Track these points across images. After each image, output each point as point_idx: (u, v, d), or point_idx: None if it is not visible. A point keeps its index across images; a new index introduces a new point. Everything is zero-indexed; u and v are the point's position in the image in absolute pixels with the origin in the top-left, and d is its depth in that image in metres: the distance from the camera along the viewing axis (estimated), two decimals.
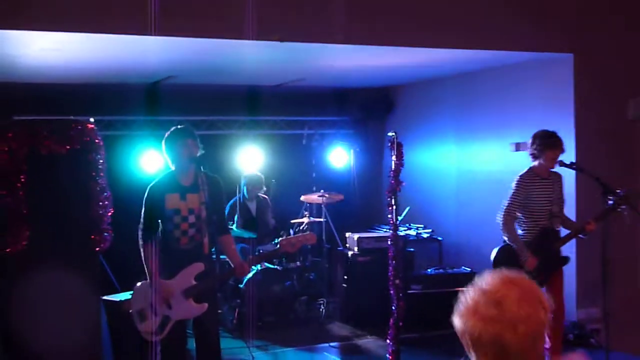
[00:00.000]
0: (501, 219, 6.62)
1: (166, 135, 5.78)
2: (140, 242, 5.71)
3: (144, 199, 5.74)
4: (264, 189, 9.78)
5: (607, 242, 6.27)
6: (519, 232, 6.71)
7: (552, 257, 6.67)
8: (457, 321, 2.16)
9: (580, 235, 6.82)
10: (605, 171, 6.80)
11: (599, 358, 6.62)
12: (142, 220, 5.72)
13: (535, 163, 6.70)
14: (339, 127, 11.42)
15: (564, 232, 6.88)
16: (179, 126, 5.85)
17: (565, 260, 6.83)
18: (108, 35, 6.50)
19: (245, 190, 9.63)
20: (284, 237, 6.07)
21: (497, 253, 6.76)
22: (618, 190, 6.44)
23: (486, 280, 2.16)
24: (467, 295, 2.16)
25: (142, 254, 5.70)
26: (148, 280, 5.70)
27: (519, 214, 6.72)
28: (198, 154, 5.74)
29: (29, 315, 5.05)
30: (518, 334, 2.07)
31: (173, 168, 5.81)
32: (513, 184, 6.71)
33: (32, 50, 7.35)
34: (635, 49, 8.49)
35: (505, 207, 6.63)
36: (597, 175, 6.53)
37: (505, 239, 6.68)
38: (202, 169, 5.80)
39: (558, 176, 6.81)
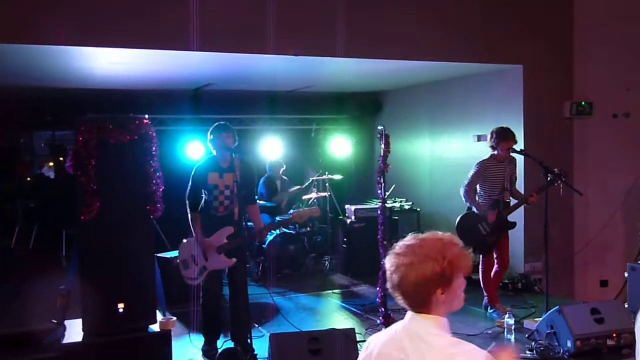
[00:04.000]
0: (463, 190, 6.62)
1: (210, 129, 5.75)
2: (188, 210, 5.70)
3: (191, 176, 5.72)
4: (283, 168, 9.76)
5: (548, 211, 6.21)
6: (478, 200, 6.70)
7: (501, 222, 6.64)
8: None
9: (525, 204, 6.79)
10: (546, 156, 6.72)
11: (541, 301, 6.55)
12: (188, 192, 5.70)
13: (494, 152, 6.66)
14: (340, 123, 11.34)
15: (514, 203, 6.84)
16: (220, 122, 5.81)
17: (512, 225, 6.78)
18: (160, 51, 6.44)
19: (270, 172, 9.64)
20: (296, 210, 6.01)
21: (460, 219, 6.77)
22: (555, 170, 6.39)
23: (410, 237, 2.17)
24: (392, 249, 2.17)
25: (189, 218, 5.70)
26: (191, 238, 5.69)
27: (478, 189, 6.69)
28: (234, 144, 5.71)
29: (100, 267, 5.01)
30: (407, 278, 2.07)
31: (215, 154, 5.77)
32: (475, 165, 6.68)
33: (101, 64, 7.29)
34: (569, 61, 8.41)
35: (466, 182, 6.63)
36: (540, 160, 6.47)
37: (467, 203, 6.67)
38: (236, 155, 5.77)
39: (513, 159, 6.76)
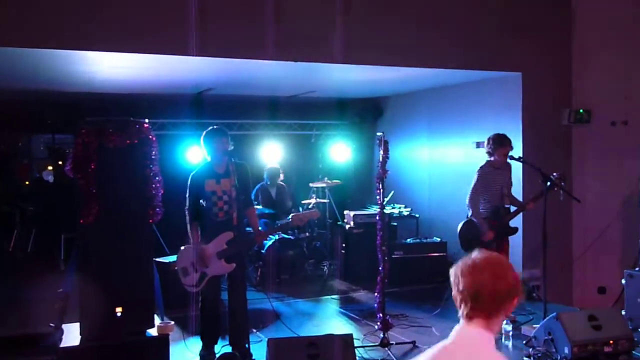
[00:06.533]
0: (468, 200, 6.61)
1: (204, 134, 5.72)
2: (187, 217, 5.70)
3: (188, 184, 5.70)
4: (282, 177, 9.74)
5: (546, 218, 6.23)
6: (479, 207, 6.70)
7: (503, 228, 6.64)
8: (453, 277, 2.26)
9: (523, 211, 6.81)
10: (545, 163, 6.74)
11: (539, 308, 6.56)
12: (188, 204, 5.70)
13: (491, 159, 6.68)
14: (340, 129, 11.35)
15: (513, 209, 6.84)
16: (214, 127, 5.79)
17: (514, 230, 6.79)
18: (160, 56, 6.46)
19: (267, 179, 9.61)
20: (295, 214, 6.01)
21: (461, 226, 6.74)
22: (554, 174, 6.41)
23: (475, 255, 2.24)
24: (462, 262, 2.24)
25: (188, 225, 5.69)
26: (190, 245, 5.69)
27: (480, 197, 6.70)
28: (229, 149, 5.70)
29: (99, 271, 5.01)
30: (493, 289, 2.16)
31: (209, 159, 5.76)
32: (476, 173, 6.69)
33: (103, 68, 7.30)
34: (567, 69, 8.44)
35: (471, 192, 6.62)
36: (539, 166, 6.48)
37: (469, 214, 6.65)
38: (232, 160, 5.76)
39: (508, 165, 6.79)
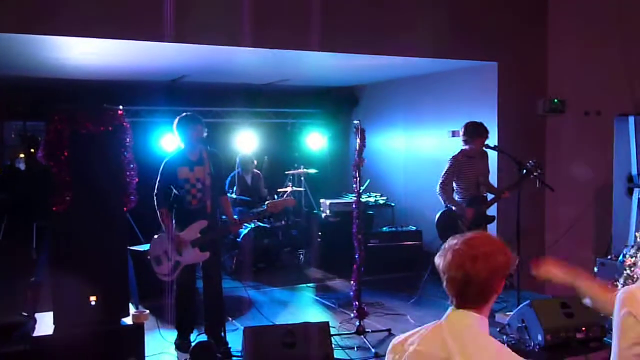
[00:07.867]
0: (439, 188, 6.63)
1: (177, 120, 5.65)
2: (156, 205, 5.64)
3: (160, 172, 5.66)
4: (254, 164, 9.67)
5: (520, 207, 6.29)
6: (456, 197, 6.71)
7: (481, 217, 6.68)
8: (437, 260, 2.13)
9: (500, 199, 6.86)
10: (519, 152, 6.80)
11: (512, 296, 6.63)
12: (156, 187, 5.65)
13: (467, 147, 6.68)
14: (316, 118, 11.34)
15: (490, 197, 6.89)
16: (187, 113, 5.73)
17: (492, 219, 6.84)
18: (134, 41, 6.36)
19: (239, 166, 9.55)
20: (270, 201, 5.99)
21: (439, 216, 6.75)
22: (530, 162, 6.46)
23: (461, 242, 2.11)
24: (450, 251, 2.10)
25: (159, 214, 5.64)
26: (162, 234, 5.65)
27: (453, 184, 6.71)
28: (203, 136, 5.66)
29: (72, 260, 4.95)
30: (476, 267, 2.03)
31: (183, 147, 5.71)
32: (448, 162, 6.70)
33: (74, 54, 7.19)
34: (543, 59, 8.50)
35: (441, 180, 6.65)
36: (514, 155, 6.53)
37: (442, 201, 6.67)
38: (206, 147, 5.72)
39: (484, 153, 6.81)
